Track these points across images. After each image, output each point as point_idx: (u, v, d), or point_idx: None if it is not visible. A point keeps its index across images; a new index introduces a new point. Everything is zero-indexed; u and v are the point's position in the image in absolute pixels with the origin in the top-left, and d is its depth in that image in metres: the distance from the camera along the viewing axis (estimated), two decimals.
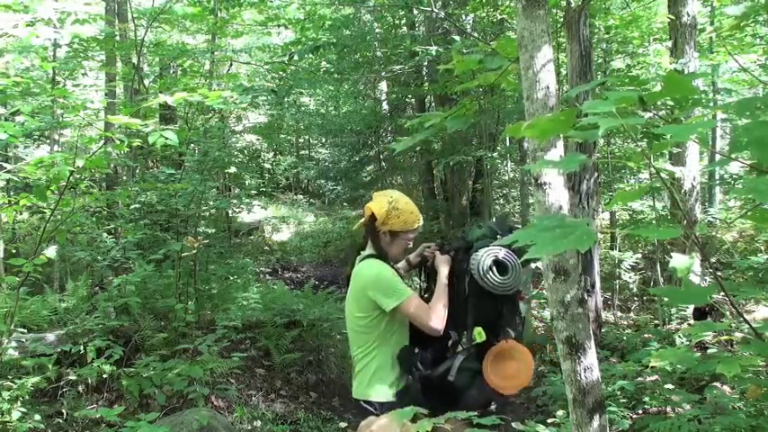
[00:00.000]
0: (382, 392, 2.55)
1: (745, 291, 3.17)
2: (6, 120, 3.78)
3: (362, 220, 2.67)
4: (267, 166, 17.35)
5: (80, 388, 4.15)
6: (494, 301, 2.51)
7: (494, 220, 2.81)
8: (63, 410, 3.95)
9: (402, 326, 2.60)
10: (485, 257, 2.45)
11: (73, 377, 4.09)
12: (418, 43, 8.71)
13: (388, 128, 12.84)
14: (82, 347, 4.21)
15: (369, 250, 2.64)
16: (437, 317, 2.47)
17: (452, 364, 2.53)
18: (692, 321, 5.33)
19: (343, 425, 4.43)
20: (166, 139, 3.14)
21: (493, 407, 2.51)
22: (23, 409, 3.52)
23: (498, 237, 2.57)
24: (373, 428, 2.08)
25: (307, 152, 19.03)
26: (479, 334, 2.48)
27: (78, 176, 3.81)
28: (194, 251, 5.06)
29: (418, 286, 2.84)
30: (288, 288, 7.36)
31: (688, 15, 5.76)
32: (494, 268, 2.44)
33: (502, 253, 2.46)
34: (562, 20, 5.46)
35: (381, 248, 2.61)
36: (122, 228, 5.87)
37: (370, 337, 2.57)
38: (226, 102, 3.66)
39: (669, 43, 6.09)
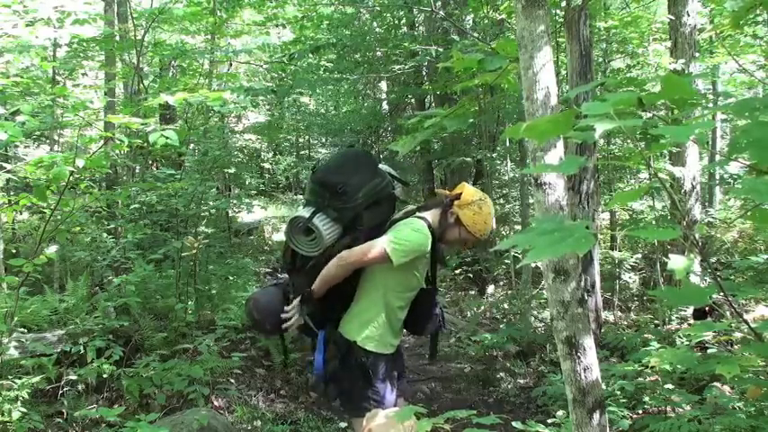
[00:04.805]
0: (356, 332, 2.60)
1: (745, 291, 3.17)
2: (6, 120, 3.78)
3: (450, 191, 2.64)
4: (267, 165, 17.33)
5: (80, 388, 4.14)
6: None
7: None
8: (63, 410, 3.95)
9: (396, 281, 2.57)
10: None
11: (73, 377, 4.09)
12: (418, 43, 8.71)
13: (388, 128, 12.82)
14: (82, 347, 4.21)
15: (426, 215, 2.56)
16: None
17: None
18: (692, 321, 5.33)
19: (343, 425, 4.42)
20: (167, 138, 3.14)
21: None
22: (23, 409, 3.52)
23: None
24: (371, 427, 2.09)
25: (307, 152, 19.00)
26: None
27: (78, 176, 3.81)
28: (194, 251, 5.06)
29: None
30: None
31: (688, 15, 5.76)
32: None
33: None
34: (562, 20, 5.45)
35: (439, 223, 2.56)
36: (122, 228, 5.87)
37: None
38: (226, 103, 3.66)
39: (669, 43, 6.09)
